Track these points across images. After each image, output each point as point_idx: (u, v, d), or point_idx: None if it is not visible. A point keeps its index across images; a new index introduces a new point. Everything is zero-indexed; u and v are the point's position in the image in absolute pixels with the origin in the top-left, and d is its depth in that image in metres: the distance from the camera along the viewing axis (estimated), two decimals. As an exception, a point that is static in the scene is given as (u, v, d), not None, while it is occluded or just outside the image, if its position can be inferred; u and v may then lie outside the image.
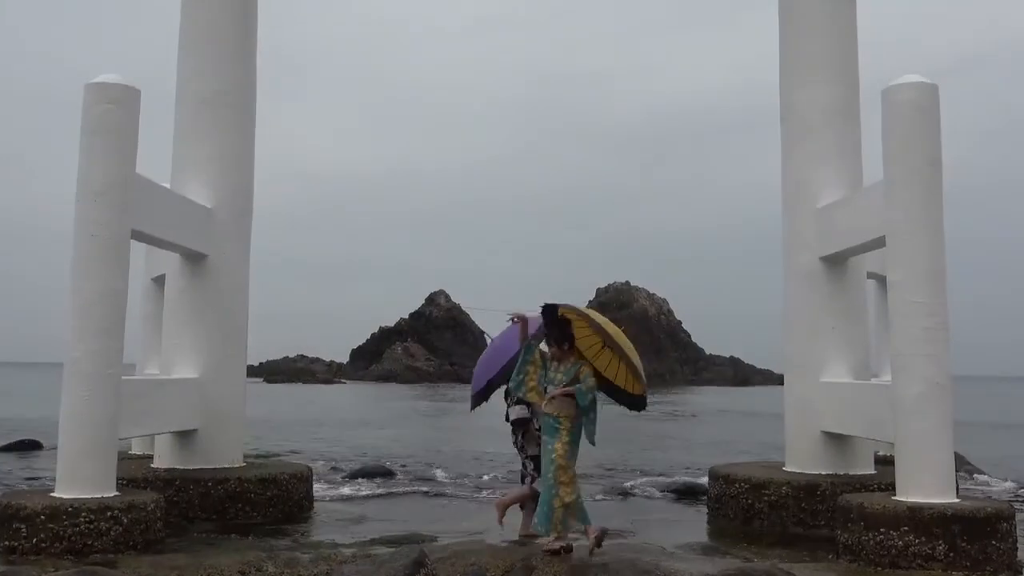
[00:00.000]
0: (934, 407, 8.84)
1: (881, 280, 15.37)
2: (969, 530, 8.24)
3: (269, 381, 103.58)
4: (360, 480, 16.39)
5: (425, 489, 15.19)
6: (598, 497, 14.21)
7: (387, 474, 17.01)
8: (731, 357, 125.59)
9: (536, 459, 8.88)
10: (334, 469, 18.15)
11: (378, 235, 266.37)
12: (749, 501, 11.22)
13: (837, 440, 11.56)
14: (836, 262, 11.77)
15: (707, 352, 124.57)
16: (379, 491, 15.02)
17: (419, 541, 9.38)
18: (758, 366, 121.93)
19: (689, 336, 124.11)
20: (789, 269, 12.15)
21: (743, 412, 41.93)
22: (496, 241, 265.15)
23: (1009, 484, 16.43)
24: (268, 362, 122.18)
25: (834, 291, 11.75)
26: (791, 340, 12.06)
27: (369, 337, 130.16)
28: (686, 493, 14.77)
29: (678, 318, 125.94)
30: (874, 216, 10.07)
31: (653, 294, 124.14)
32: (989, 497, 12.85)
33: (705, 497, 12.94)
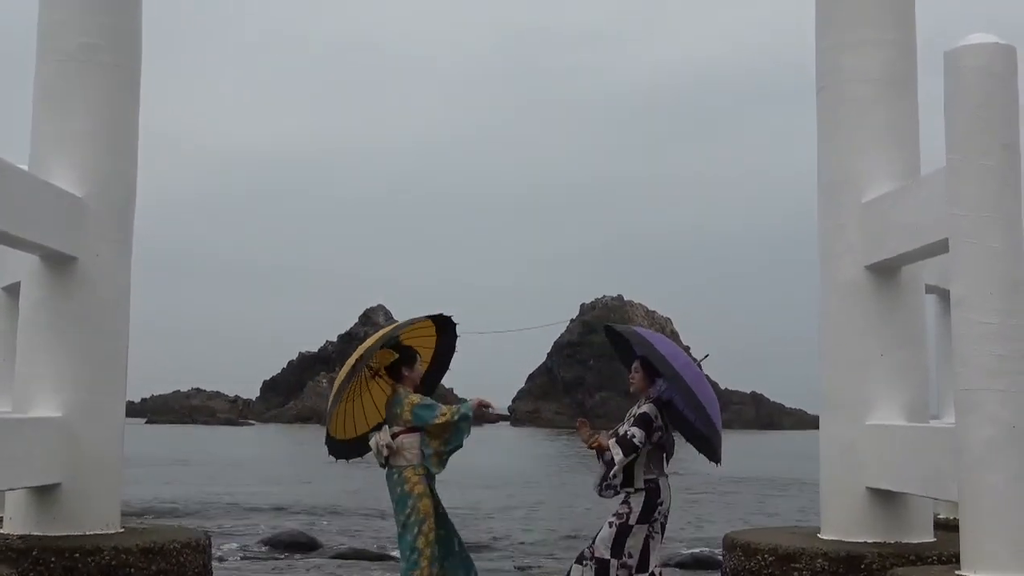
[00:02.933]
0: (1009, 456, 8.90)
1: (943, 295, 15.55)
2: (1053, 614, 8.32)
3: (153, 422, 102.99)
4: (274, 551, 16.35)
5: (359, 562, 15.17)
6: None
7: (309, 545, 16.98)
8: (752, 393, 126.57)
9: None
10: (239, 536, 18.08)
11: (301, 234, 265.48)
12: (775, 578, 11.29)
13: (886, 499, 11.66)
14: (886, 272, 11.90)
15: (722, 387, 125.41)
16: (299, 565, 14.98)
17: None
18: (787, 405, 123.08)
19: (699, 366, 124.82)
20: (827, 281, 12.26)
21: (767, 480, 42.15)
22: (454, 244, 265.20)
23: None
24: (153, 398, 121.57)
25: (884, 309, 11.86)
26: (829, 371, 12.16)
27: (286, 366, 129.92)
28: (694, 567, 14.86)
29: (685, 343, 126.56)
30: (934, 213, 10.18)
31: (653, 311, 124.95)
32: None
33: (719, 573, 13.02)
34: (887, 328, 11.85)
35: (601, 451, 8.65)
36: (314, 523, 20.69)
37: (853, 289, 11.96)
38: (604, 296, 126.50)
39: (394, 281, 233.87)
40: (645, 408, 8.73)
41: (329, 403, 9.28)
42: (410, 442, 9.12)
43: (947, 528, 12.78)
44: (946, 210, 9.58)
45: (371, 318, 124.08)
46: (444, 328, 9.80)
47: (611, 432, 8.83)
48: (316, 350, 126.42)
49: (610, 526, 8.65)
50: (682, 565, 14.89)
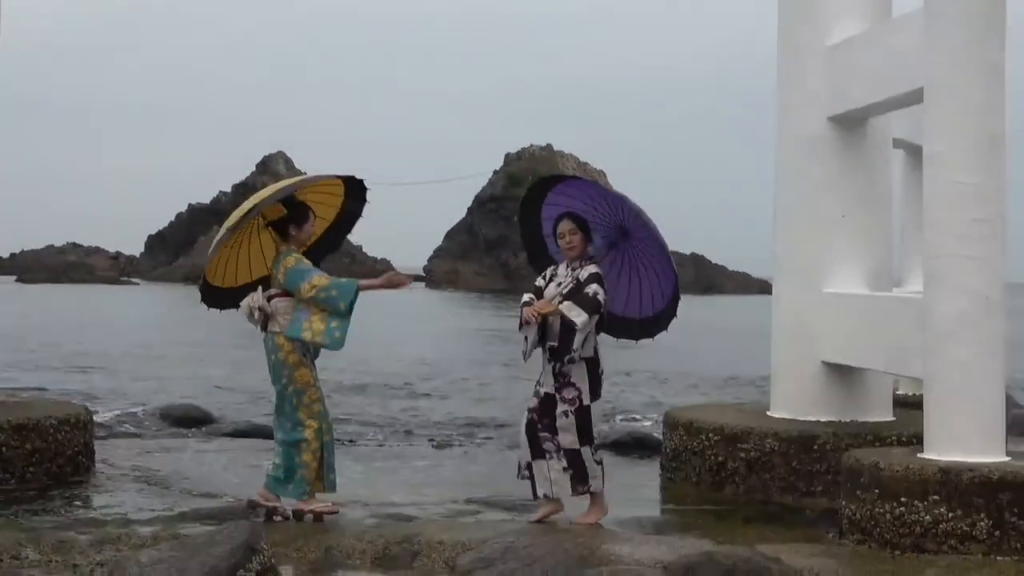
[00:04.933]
0: (980, 330, 8.99)
1: (915, 151, 15.61)
2: (1023, 501, 8.48)
3: (24, 280, 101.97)
4: (164, 428, 16.33)
5: (257, 440, 15.13)
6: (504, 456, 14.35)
7: (203, 419, 16.94)
8: (692, 254, 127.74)
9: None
10: (122, 410, 18.00)
11: (190, 69, 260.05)
12: (720, 459, 11.45)
13: (843, 374, 11.82)
14: (851, 124, 11.88)
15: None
16: (191, 443, 14.95)
17: (249, 515, 9.35)
18: (729, 267, 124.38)
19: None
20: (785, 132, 12.21)
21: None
22: (362, 81, 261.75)
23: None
24: (23, 253, 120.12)
25: (847, 165, 11.87)
26: (784, 232, 12.20)
27: (174, 219, 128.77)
28: (631, 448, 14.97)
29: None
30: (907, 59, 10.12)
31: (586, 163, 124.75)
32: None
33: (658, 454, 13.16)
34: (850, 186, 11.88)
35: (540, 318, 8.65)
36: (208, 395, 20.61)
37: (814, 142, 11.93)
38: (532, 145, 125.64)
39: (296, 125, 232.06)
40: (596, 269, 8.77)
41: (211, 249, 9.27)
42: (285, 306, 9.03)
43: (907, 405, 13.03)
44: (922, 56, 9.52)
45: (269, 167, 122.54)
46: (353, 192, 9.64)
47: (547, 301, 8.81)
48: (208, 202, 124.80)
49: (566, 416, 8.69)
50: (619, 444, 14.92)
